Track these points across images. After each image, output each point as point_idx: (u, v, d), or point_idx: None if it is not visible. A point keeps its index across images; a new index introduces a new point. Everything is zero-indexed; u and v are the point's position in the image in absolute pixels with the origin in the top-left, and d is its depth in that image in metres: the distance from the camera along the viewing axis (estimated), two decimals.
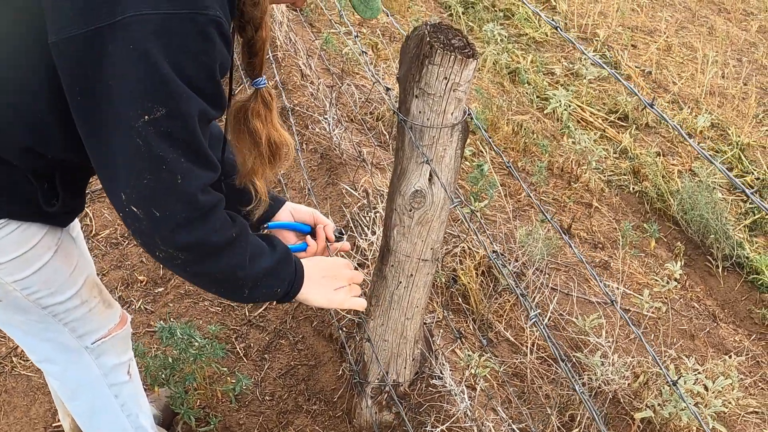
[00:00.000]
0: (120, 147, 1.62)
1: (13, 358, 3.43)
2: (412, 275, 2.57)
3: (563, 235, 2.09)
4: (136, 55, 1.54)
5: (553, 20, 4.84)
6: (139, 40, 1.54)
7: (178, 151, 1.65)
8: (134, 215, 1.69)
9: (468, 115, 2.23)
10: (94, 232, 4.11)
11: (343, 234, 2.49)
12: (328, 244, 2.46)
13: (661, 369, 1.78)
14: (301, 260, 2.16)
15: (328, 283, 2.19)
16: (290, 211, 2.46)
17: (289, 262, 2.06)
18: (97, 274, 2.47)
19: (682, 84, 7.14)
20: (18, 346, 3.42)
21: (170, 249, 1.75)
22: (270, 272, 1.98)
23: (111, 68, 1.55)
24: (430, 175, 2.29)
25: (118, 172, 1.66)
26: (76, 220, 2.26)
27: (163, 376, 3.04)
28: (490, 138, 2.34)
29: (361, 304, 2.28)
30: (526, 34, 7.66)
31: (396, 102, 2.34)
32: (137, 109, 1.57)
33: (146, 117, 1.58)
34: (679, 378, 3.31)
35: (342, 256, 2.58)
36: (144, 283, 3.83)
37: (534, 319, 1.90)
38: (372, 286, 2.74)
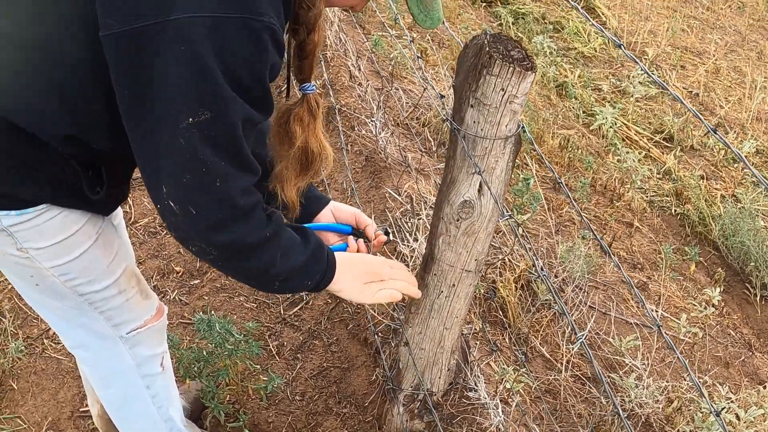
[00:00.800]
0: (163, 145, 1.62)
1: (45, 341, 3.44)
2: (454, 285, 2.54)
3: (611, 256, 2.06)
4: (187, 56, 1.53)
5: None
6: (190, 41, 1.53)
7: (220, 155, 1.65)
8: (171, 210, 1.70)
9: (521, 128, 2.21)
10: (133, 219, 4.12)
11: (388, 233, 2.47)
12: (369, 242, 2.44)
13: (704, 397, 1.75)
14: (344, 254, 2.16)
15: (365, 277, 2.19)
16: (332, 211, 2.45)
17: (321, 257, 2.05)
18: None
19: (728, 108, 7.06)
20: (50, 329, 3.43)
21: (203, 245, 1.77)
22: (301, 267, 1.98)
23: (160, 67, 1.55)
24: (480, 185, 2.27)
25: (159, 168, 1.66)
26: (119, 208, 2.27)
27: (196, 369, 3.03)
28: (539, 152, 2.30)
29: (390, 295, 2.24)
30: (575, 48, 7.61)
31: (449, 110, 2.32)
32: (183, 109, 1.57)
33: (191, 119, 1.58)
34: (723, 409, 3.27)
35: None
36: (180, 274, 3.83)
37: (581, 339, 1.87)
38: None
